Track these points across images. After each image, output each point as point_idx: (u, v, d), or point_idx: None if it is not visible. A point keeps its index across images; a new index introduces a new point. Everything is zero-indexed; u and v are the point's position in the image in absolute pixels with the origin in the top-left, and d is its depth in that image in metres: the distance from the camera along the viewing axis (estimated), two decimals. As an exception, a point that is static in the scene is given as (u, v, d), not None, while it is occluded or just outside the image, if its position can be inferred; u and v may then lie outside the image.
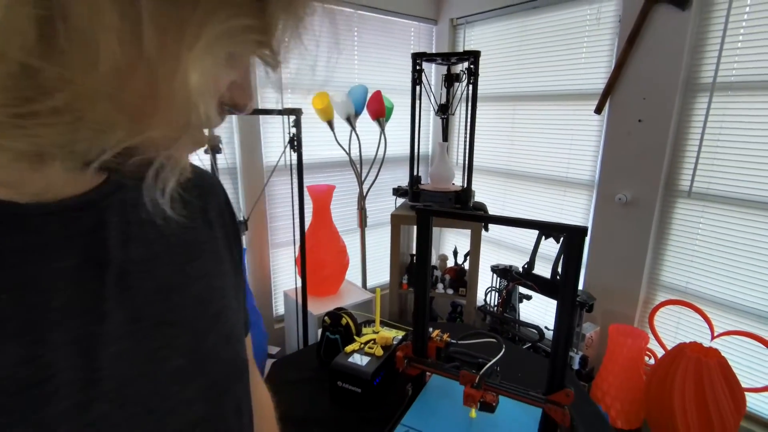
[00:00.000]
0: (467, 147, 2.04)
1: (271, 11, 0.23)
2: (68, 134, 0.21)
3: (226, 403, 0.38)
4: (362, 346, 1.41)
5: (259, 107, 2.06)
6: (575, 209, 2.16)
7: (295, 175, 1.64)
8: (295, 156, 1.64)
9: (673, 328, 1.89)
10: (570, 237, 0.98)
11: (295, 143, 1.60)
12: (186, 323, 0.35)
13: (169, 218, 0.33)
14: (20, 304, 0.26)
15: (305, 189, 1.80)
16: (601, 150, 1.95)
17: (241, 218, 1.75)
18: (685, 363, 1.52)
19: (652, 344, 1.83)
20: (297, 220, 1.72)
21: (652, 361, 1.81)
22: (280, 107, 2.04)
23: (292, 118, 1.58)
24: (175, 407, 0.33)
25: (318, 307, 2.03)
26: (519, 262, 2.14)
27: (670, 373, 1.55)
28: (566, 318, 1.00)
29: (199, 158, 1.63)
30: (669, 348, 1.69)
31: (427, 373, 1.33)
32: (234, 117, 2.02)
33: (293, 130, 1.60)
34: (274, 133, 2.19)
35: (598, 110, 1.88)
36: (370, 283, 2.60)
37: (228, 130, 2.02)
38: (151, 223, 0.34)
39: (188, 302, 0.36)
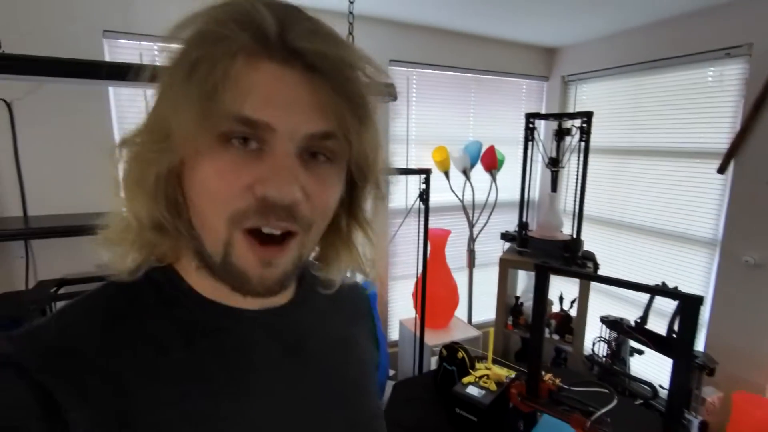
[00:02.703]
0: (577, 199, 2.15)
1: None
2: (177, 242, 0.39)
3: None
4: (477, 379, 1.61)
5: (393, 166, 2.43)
6: (694, 267, 2.11)
7: (422, 222, 1.93)
8: (422, 205, 1.94)
9: (815, 404, 1.74)
10: (685, 304, 1.08)
11: (424, 196, 1.89)
12: (347, 398, 0.46)
13: (329, 320, 0.50)
14: (248, 376, 0.39)
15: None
16: (725, 209, 1.92)
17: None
18: (825, 443, 1.43)
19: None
20: (420, 260, 2.00)
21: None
22: (406, 165, 2.37)
23: (423, 176, 1.88)
24: None
25: (430, 338, 2.26)
26: (629, 314, 2.14)
27: (807, 452, 1.46)
28: (680, 382, 1.08)
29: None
30: (808, 426, 1.58)
31: (538, 413, 1.46)
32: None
33: (423, 186, 1.90)
34: (397, 184, 2.54)
35: (722, 170, 1.88)
36: (475, 319, 2.77)
37: (363, 180, 2.42)
38: (321, 324, 0.48)
39: (348, 383, 0.47)
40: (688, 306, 1.05)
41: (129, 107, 1.82)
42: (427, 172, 1.87)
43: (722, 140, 1.93)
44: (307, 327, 0.46)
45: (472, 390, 1.55)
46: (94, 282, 1.74)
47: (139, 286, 0.38)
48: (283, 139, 0.33)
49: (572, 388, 1.40)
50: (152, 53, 1.82)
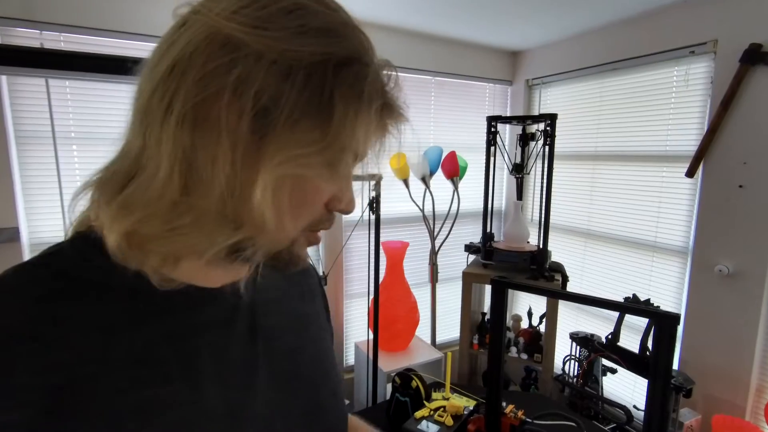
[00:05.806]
0: (543, 208, 2.00)
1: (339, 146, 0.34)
2: (195, 239, 0.33)
3: None
4: (432, 412, 1.40)
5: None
6: (666, 277, 1.98)
7: (372, 234, 1.73)
8: (373, 216, 1.74)
9: (798, 425, 1.61)
10: (660, 323, 0.92)
11: (374, 205, 1.70)
12: (306, 379, 0.46)
13: (285, 296, 0.49)
14: (205, 359, 0.37)
15: (380, 245, 1.89)
16: (695, 216, 1.81)
17: (321, 273, 1.86)
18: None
19: (771, 442, 1.56)
20: (372, 277, 1.79)
21: (771, 464, 1.54)
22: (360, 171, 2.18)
23: (373, 182, 1.69)
24: None
25: (388, 363, 2.04)
26: (600, 329, 1.99)
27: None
28: (659, 409, 0.92)
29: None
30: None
31: (500, 451, 1.27)
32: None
33: (373, 193, 1.71)
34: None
35: (690, 174, 1.76)
36: (439, 338, 2.57)
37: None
38: (277, 301, 0.47)
39: (307, 361, 0.47)
40: (664, 325, 0.89)
41: (27, 102, 1.56)
42: (376, 177, 1.68)
43: (691, 142, 1.82)
44: (264, 304, 0.45)
45: (426, 426, 1.34)
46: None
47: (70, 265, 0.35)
48: (355, 164, 0.40)
49: (536, 422, 1.22)
50: (57, 43, 1.58)
